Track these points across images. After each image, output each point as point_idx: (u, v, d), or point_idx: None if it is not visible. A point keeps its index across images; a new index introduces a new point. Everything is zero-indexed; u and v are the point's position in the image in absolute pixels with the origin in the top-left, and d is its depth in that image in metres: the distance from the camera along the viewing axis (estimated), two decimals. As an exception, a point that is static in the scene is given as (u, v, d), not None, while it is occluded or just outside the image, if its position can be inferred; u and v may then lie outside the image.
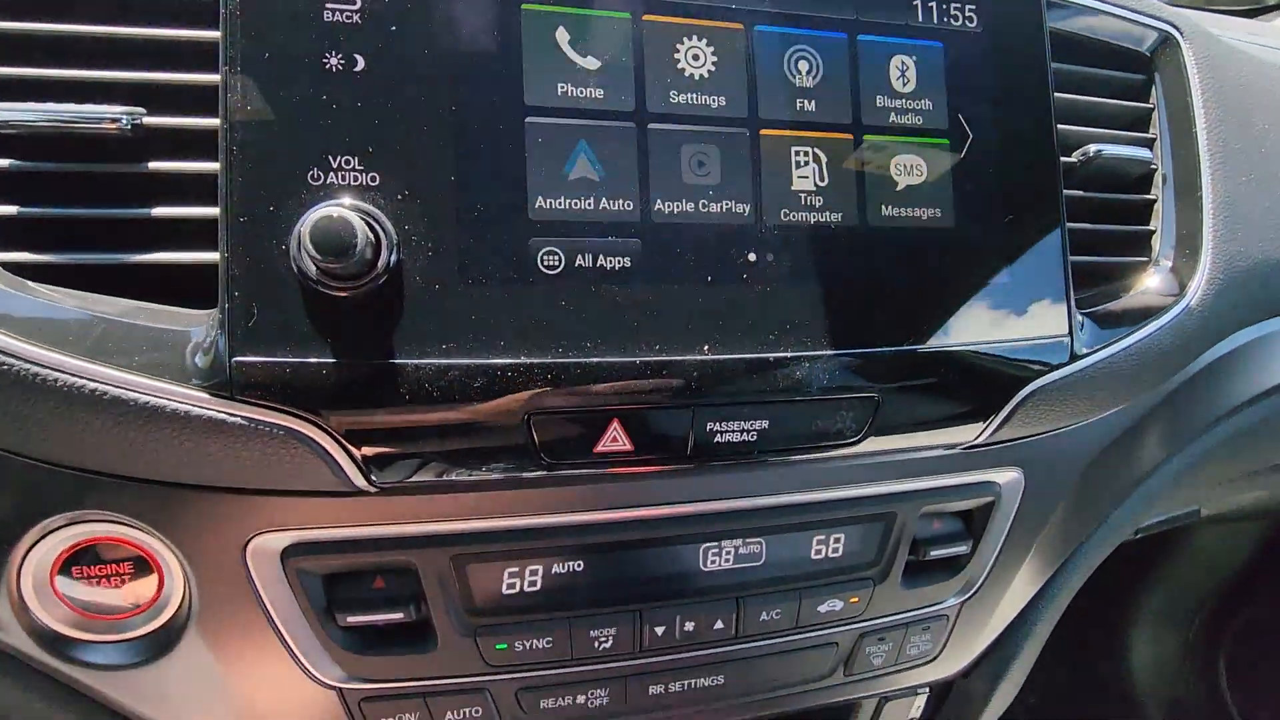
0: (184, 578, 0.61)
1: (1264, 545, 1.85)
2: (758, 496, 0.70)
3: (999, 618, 0.89)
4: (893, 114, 0.66)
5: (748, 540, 0.72)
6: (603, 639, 0.69)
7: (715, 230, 0.61)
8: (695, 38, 0.61)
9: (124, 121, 0.54)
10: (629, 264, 0.59)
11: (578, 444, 0.59)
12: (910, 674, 0.86)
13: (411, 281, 0.54)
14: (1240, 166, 0.82)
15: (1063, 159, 0.73)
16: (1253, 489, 1.32)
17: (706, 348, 0.60)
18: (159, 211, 0.55)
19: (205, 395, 0.52)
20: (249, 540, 0.59)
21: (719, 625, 0.72)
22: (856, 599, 0.76)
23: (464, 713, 0.69)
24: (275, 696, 0.66)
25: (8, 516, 0.57)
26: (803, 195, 0.63)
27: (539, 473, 0.59)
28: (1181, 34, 0.83)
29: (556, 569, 0.67)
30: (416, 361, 0.54)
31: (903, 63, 0.66)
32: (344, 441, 0.54)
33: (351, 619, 0.63)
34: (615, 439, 0.60)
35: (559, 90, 0.58)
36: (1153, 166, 0.81)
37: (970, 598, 0.83)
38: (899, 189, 0.66)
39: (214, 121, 0.53)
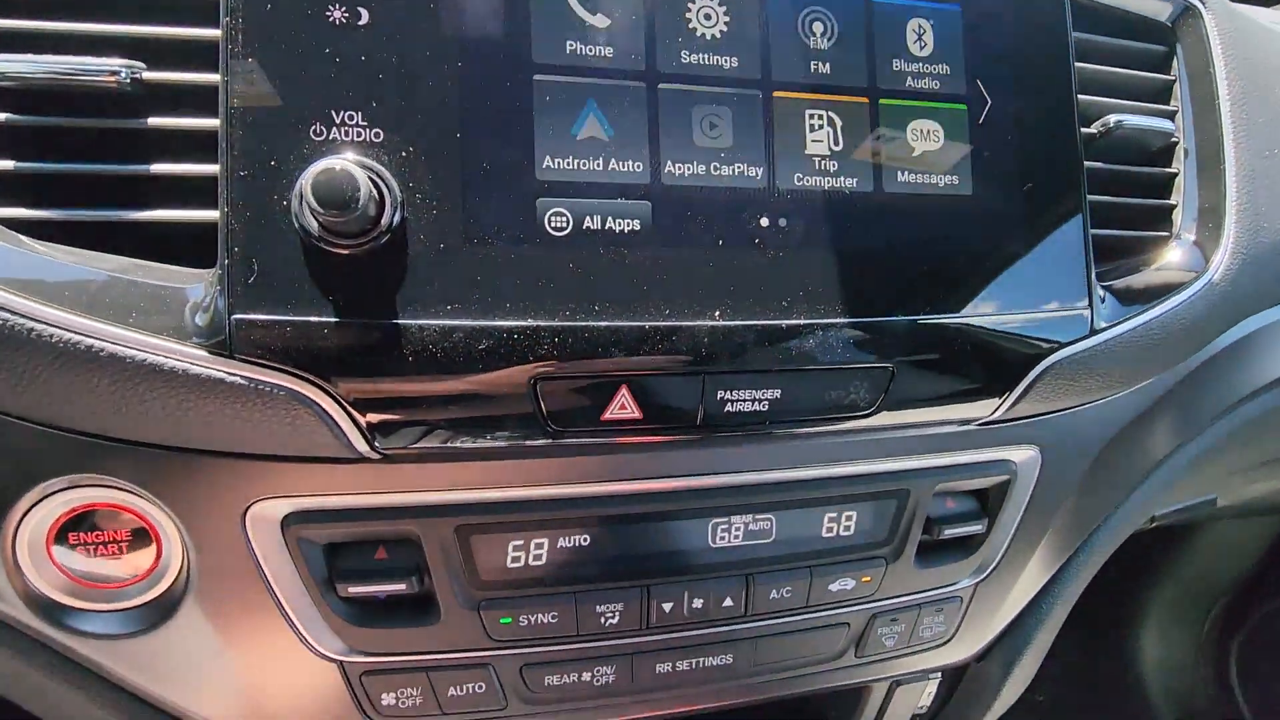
0: (182, 546, 0.60)
1: (1277, 540, 1.83)
2: (768, 471, 0.69)
3: (1013, 601, 0.87)
4: (909, 78, 0.64)
5: (758, 516, 0.70)
6: (609, 614, 0.68)
7: (727, 194, 0.59)
8: (707, -5, 0.59)
9: (123, 75, 0.52)
10: (638, 227, 0.57)
11: (585, 411, 0.57)
12: (923, 657, 0.84)
13: (415, 240, 0.53)
14: (1264, 140, 0.80)
15: (1082, 130, 0.71)
16: (1269, 479, 1.30)
17: (718, 314, 0.58)
18: (158, 168, 0.54)
19: (204, 354, 0.51)
20: (248, 507, 0.58)
21: (728, 602, 0.71)
22: (869, 578, 0.74)
23: (467, 688, 0.68)
24: (274, 669, 0.65)
25: (3, 479, 0.56)
26: (816, 160, 0.62)
27: (545, 441, 0.58)
28: (1203, 4, 0.81)
29: (562, 542, 0.66)
30: (420, 322, 0.52)
31: (920, 25, 0.64)
32: (344, 402, 0.53)
33: (353, 589, 0.62)
34: (624, 406, 0.58)
35: (568, 48, 0.56)
36: (1174, 140, 0.79)
37: (985, 579, 0.81)
38: (915, 155, 0.64)
39: (215, 77, 0.52)
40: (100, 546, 0.59)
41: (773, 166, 0.60)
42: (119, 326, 0.50)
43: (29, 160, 0.53)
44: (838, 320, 0.61)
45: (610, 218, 0.57)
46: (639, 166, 0.57)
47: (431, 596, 0.64)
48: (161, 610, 0.61)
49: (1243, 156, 0.78)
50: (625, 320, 0.56)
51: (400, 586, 0.62)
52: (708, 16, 0.60)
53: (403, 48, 0.53)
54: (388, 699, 0.67)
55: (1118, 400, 0.80)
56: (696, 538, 0.69)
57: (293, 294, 0.51)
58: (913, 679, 0.87)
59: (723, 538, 0.70)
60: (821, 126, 0.62)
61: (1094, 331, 0.69)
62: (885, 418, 0.65)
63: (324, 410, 0.53)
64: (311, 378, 0.52)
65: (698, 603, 0.70)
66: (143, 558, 0.60)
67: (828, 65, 0.62)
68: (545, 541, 0.65)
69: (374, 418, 0.54)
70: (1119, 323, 0.71)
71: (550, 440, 0.58)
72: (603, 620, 0.68)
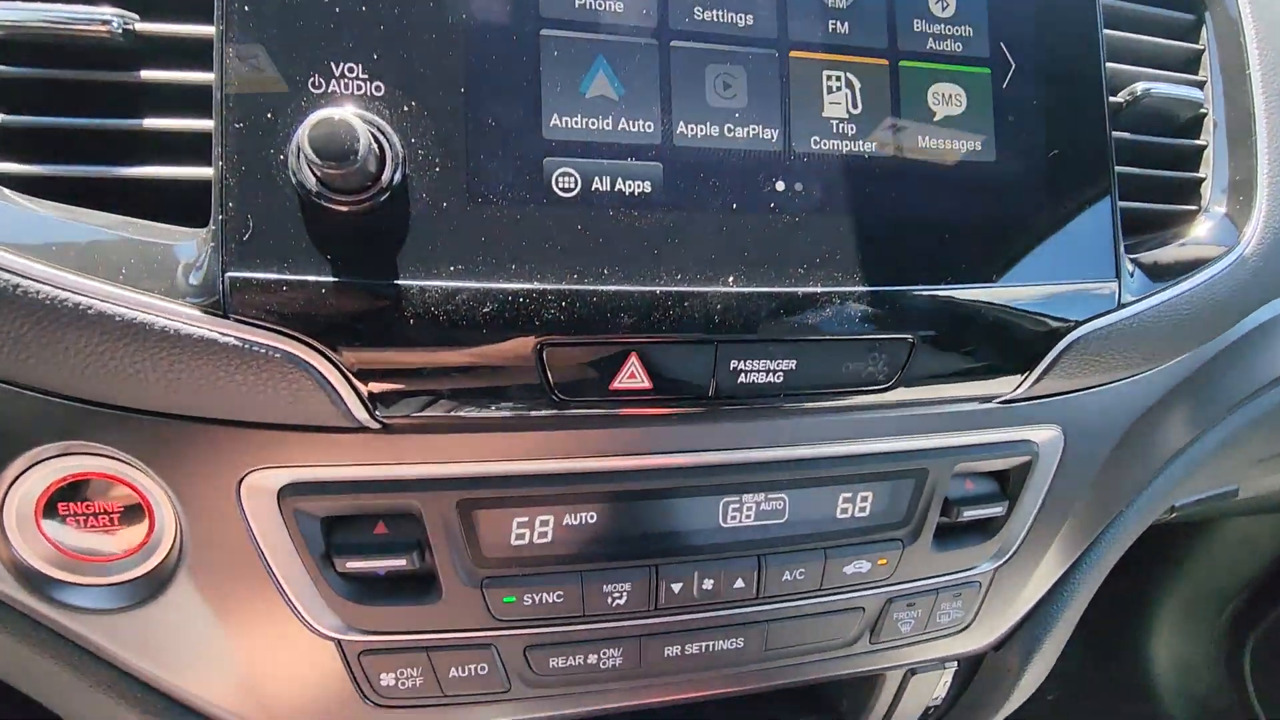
0: (175, 519, 0.58)
1: (1293, 539, 1.79)
2: (781, 448, 0.67)
3: (1033, 588, 0.85)
4: (931, 40, 0.62)
5: (770, 495, 0.68)
6: (616, 595, 0.65)
7: (741, 157, 0.57)
8: (722, -51, 0.57)
9: (115, 25, 0.50)
10: (649, 189, 0.55)
11: (593, 380, 0.55)
12: (939, 644, 0.82)
13: (417, 199, 0.51)
14: (1296, 112, 0.77)
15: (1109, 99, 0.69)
16: (1292, 471, 1.27)
17: (731, 280, 0.56)
18: (151, 123, 0.52)
19: (197, 313, 0.49)
20: (243, 477, 0.56)
21: (739, 584, 0.68)
22: (885, 560, 0.72)
23: (469, 670, 0.66)
24: (270, 647, 0.63)
25: (-9, 444, 0.54)
26: (834, 123, 0.59)
27: (551, 411, 0.56)
28: (1234, -29, 0.78)
29: (568, 519, 0.63)
30: (422, 284, 0.50)
31: (942, -16, 0.62)
32: (342, 365, 0.50)
33: (351, 565, 0.60)
34: (633, 375, 0.56)
35: (577, 2, 0.54)
36: (1203, 110, 0.76)
37: (1004, 564, 0.78)
38: (936, 119, 0.62)
39: (209, 28, 0.50)
40: (91, 518, 0.57)
41: (789, 129, 0.58)
42: (108, 284, 0.48)
43: (17, 114, 0.51)
44: (856, 289, 0.58)
45: (620, 179, 0.54)
46: (650, 126, 0.55)
47: (432, 574, 0.62)
48: (153, 585, 0.59)
49: (1275, 128, 0.75)
50: (635, 285, 0.54)
51: (400, 562, 0.60)
52: (722, -28, 0.57)
53: (406, -2, 0.51)
54: (387, 679, 0.65)
55: (1143, 380, 0.77)
56: (707, 517, 0.67)
57: (289, 252, 0.49)
58: (928, 668, 0.84)
59: (734, 517, 0.68)
60: (839, 88, 0.60)
61: (1121, 305, 0.66)
62: (904, 393, 0.63)
63: (320, 374, 0.51)
64: (308, 339, 0.50)
65: (708, 584, 0.68)
66: (134, 531, 0.58)
67: (846, 25, 0.60)
68: (550, 518, 0.63)
69: (373, 383, 0.52)
70: (1147, 297, 0.68)
71: (556, 410, 0.56)
72: (609, 601, 0.66)
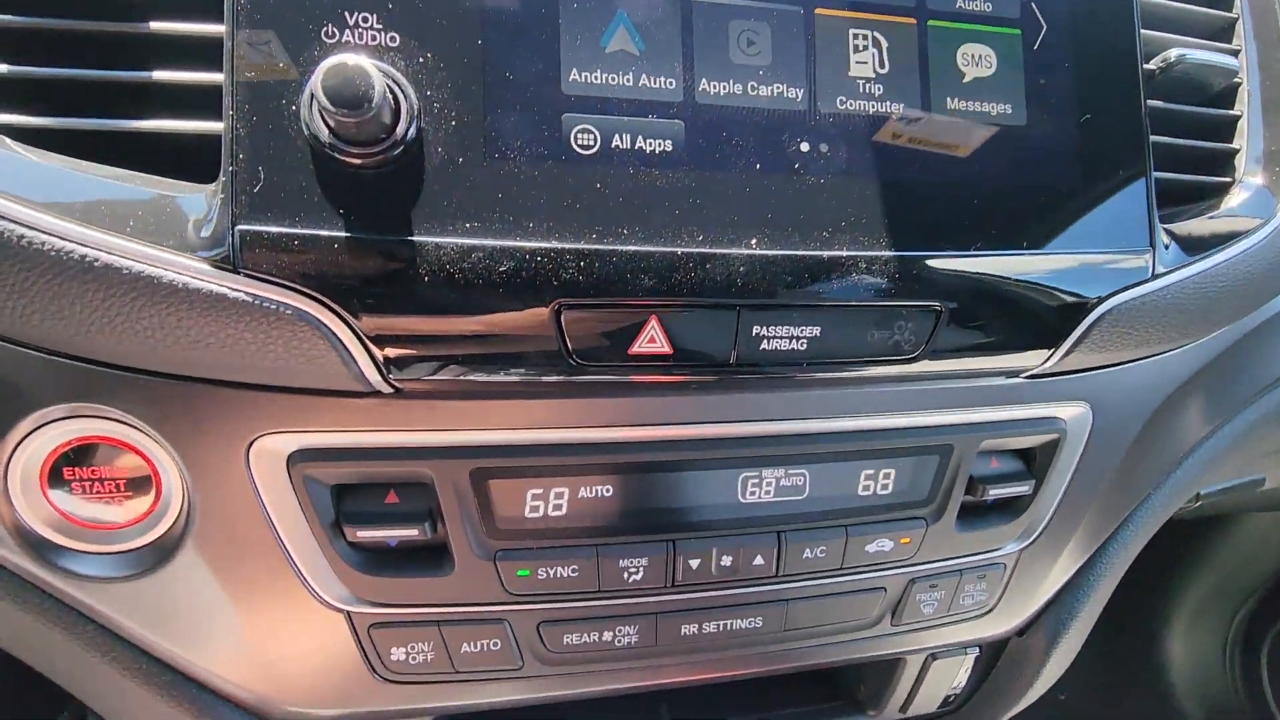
0: (182, 485, 0.56)
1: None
2: (802, 420, 0.65)
3: (1058, 572, 0.82)
4: (960, -1, 0.60)
5: (790, 470, 0.66)
6: (632, 570, 0.64)
7: (765, 116, 0.55)
8: (746, -99, 0.55)
9: (123, -27, 0.49)
10: (670, 148, 0.53)
11: (611, 343, 0.54)
12: (962, 628, 0.80)
13: (433, 154, 0.49)
14: (1333, 83, 0.75)
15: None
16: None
17: (754, 242, 0.54)
18: (160, 75, 0.51)
19: (206, 267, 0.47)
20: (253, 442, 0.55)
21: (758, 561, 0.67)
22: (908, 539, 0.70)
23: (481, 645, 0.64)
24: (278, 619, 0.61)
25: (-3, 404, 0.53)
26: (860, 83, 0.57)
27: (568, 376, 0.54)
28: (1269, -63, 0.76)
29: (584, 492, 0.62)
30: (436, 240, 0.49)
31: (972, -58, 0.60)
32: (353, 324, 0.49)
33: (361, 534, 0.58)
34: (652, 340, 0.54)
35: (597, -47, 0.52)
36: (1237, 80, 0.74)
37: (1030, 545, 0.76)
38: (966, 81, 0.60)
39: (221, -23, 0.49)
40: (96, 483, 0.56)
41: (814, 88, 0.56)
42: (115, 236, 0.47)
43: (23, 65, 0.49)
44: (882, 254, 0.56)
45: (640, 136, 0.53)
46: (671, 83, 0.54)
47: (444, 545, 0.60)
48: (158, 554, 0.58)
49: (1312, 97, 0.73)
50: (656, 246, 0.52)
51: (412, 532, 0.59)
52: (746, -74, 0.56)
53: (421, -55, 0.49)
54: (397, 654, 0.63)
55: (1174, 358, 0.75)
56: (725, 491, 0.65)
57: (301, 206, 0.47)
58: (949, 653, 0.82)
59: (753, 492, 0.66)
60: (866, 47, 0.58)
61: (1155, 276, 0.64)
62: (930, 364, 0.61)
63: (332, 332, 0.49)
64: (319, 296, 0.48)
65: (726, 560, 0.66)
66: (141, 499, 0.57)
67: (874, -19, 0.58)
68: (566, 490, 0.61)
69: (387, 343, 0.50)
70: (1181, 268, 0.66)
71: (573, 376, 0.54)
72: (625, 576, 0.64)
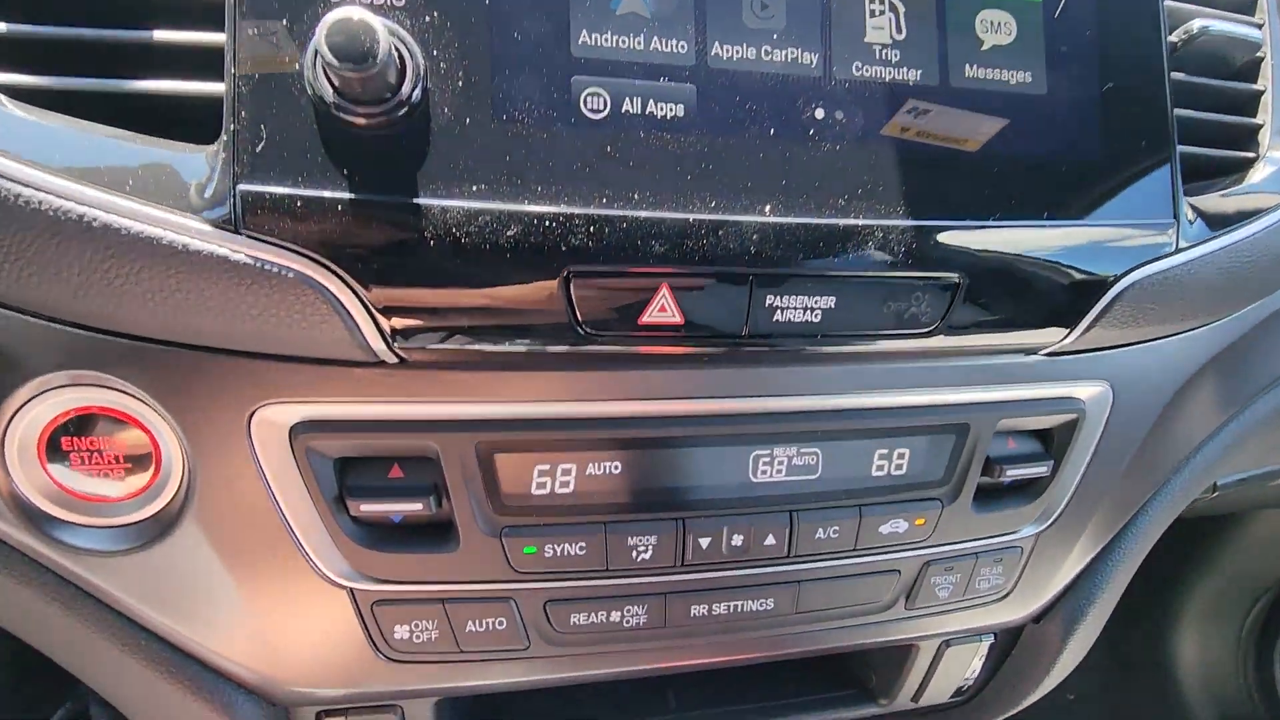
0: (182, 459, 0.55)
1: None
2: (815, 396, 0.63)
3: (1076, 557, 0.81)
4: (979, -37, 0.58)
5: (802, 449, 0.65)
6: (641, 548, 0.62)
7: (779, 81, 0.54)
8: None
9: (123, -70, 0.48)
10: (682, 112, 0.52)
11: (621, 313, 0.52)
12: (977, 613, 0.78)
13: (439, 115, 0.48)
14: (1359, 57, 0.73)
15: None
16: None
17: (768, 209, 0.53)
18: (161, 35, 0.50)
19: (207, 228, 0.46)
20: (254, 411, 0.54)
21: (770, 541, 0.65)
22: (922, 520, 0.69)
23: (487, 624, 0.63)
24: (279, 595, 0.60)
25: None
26: (877, 48, 0.56)
27: (577, 346, 0.53)
28: (1292, -93, 0.74)
29: (592, 468, 0.60)
30: (442, 203, 0.47)
31: (992, -95, 0.59)
32: (356, 288, 0.48)
33: (365, 508, 0.57)
34: (663, 309, 0.53)
35: (607, -88, 0.51)
36: (1260, 54, 0.72)
37: (1047, 529, 0.75)
38: (985, 48, 0.58)
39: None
40: (95, 455, 0.54)
41: (829, 53, 0.55)
42: (114, 195, 0.46)
43: (22, 23, 0.48)
44: (900, 222, 0.55)
45: (651, 100, 0.51)
46: (683, 46, 0.52)
47: (450, 520, 0.59)
48: (158, 528, 0.57)
49: (1337, 71, 0.71)
50: (667, 212, 0.51)
51: (416, 507, 0.57)
52: (760, -115, 0.54)
53: (428, -98, 0.48)
54: (401, 632, 0.62)
55: (1195, 337, 0.73)
56: (736, 469, 0.64)
57: (304, 166, 0.46)
58: (964, 639, 0.80)
59: (764, 471, 0.64)
60: (883, 12, 0.56)
61: (1178, 250, 0.63)
62: (947, 339, 0.59)
63: (335, 297, 0.48)
64: (322, 259, 0.47)
65: (737, 539, 0.64)
66: (140, 473, 0.55)
67: (890, -55, 0.57)
68: (574, 466, 0.60)
69: (391, 309, 0.49)
70: (1204, 242, 0.64)
71: (582, 346, 0.53)
72: (634, 555, 0.63)
